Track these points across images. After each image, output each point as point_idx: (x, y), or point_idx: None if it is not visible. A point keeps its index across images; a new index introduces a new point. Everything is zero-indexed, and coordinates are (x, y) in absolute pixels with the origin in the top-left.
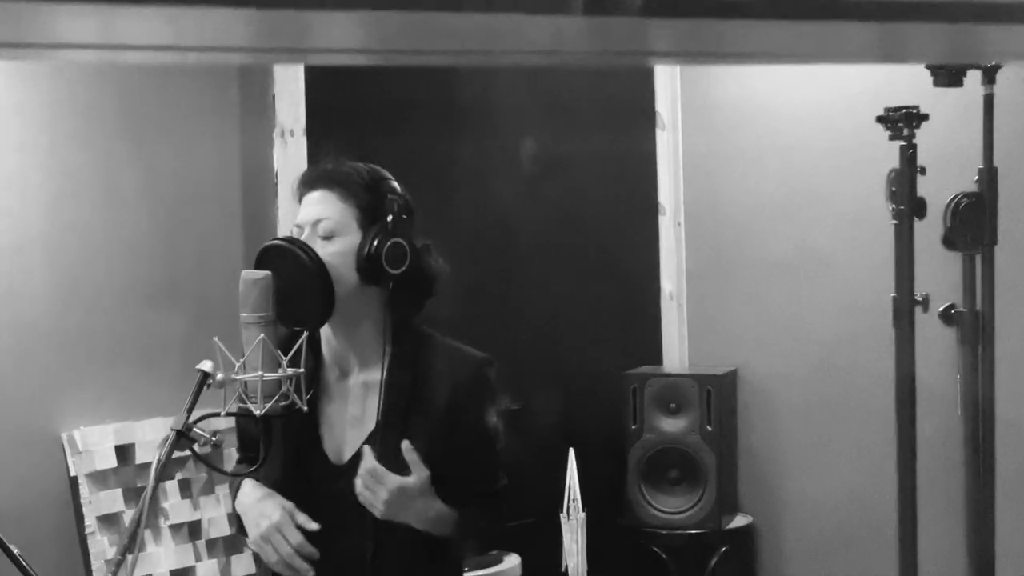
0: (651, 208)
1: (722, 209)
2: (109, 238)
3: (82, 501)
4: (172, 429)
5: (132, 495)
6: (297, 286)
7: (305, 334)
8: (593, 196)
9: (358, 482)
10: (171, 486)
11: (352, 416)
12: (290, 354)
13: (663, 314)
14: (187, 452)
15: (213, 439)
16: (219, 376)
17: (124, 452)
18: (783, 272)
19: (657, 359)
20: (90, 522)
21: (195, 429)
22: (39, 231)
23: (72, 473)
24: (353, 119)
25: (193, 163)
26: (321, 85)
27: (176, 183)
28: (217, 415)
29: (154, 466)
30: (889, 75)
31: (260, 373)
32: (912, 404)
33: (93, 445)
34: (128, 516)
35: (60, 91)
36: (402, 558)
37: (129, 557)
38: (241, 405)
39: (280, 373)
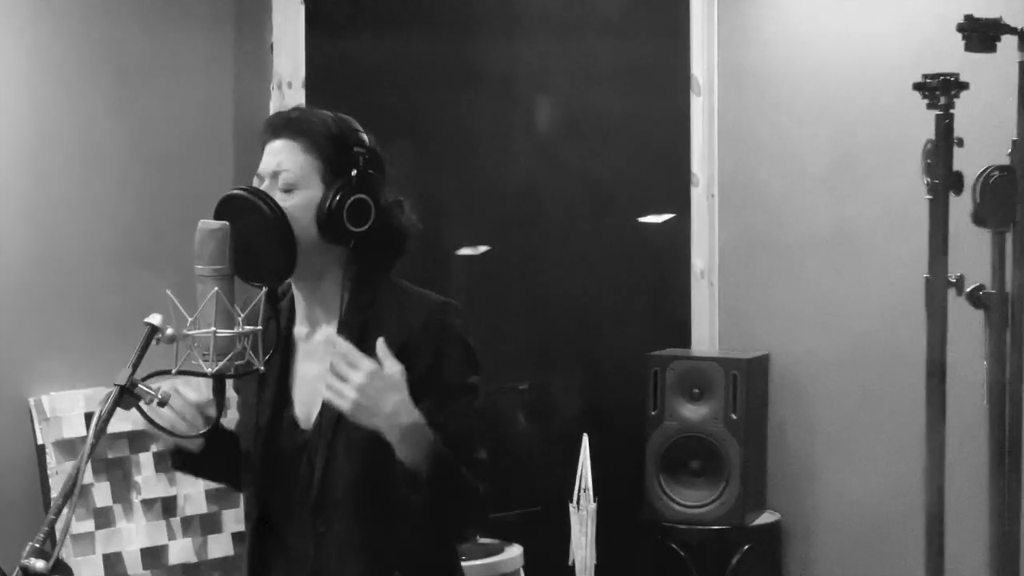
0: (683, 178)
1: (759, 181)
2: (88, 192)
3: (49, 471)
4: (115, 384)
5: (103, 467)
6: (257, 239)
7: (264, 290)
8: (621, 164)
9: (331, 367)
10: (144, 458)
11: (316, 374)
12: (247, 310)
13: (693, 293)
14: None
15: (159, 396)
16: (169, 331)
17: None
18: (822, 249)
19: (685, 341)
20: (57, 493)
21: (140, 386)
22: (12, 183)
23: (39, 441)
24: (357, 72)
25: (182, 115)
26: (323, 34)
27: (163, 136)
28: (167, 373)
29: (94, 423)
30: (934, 40)
31: (213, 329)
32: (942, 394)
33: (62, 412)
34: (98, 490)
35: (39, 33)
36: (355, 530)
37: (63, 515)
38: (193, 363)
39: (236, 330)
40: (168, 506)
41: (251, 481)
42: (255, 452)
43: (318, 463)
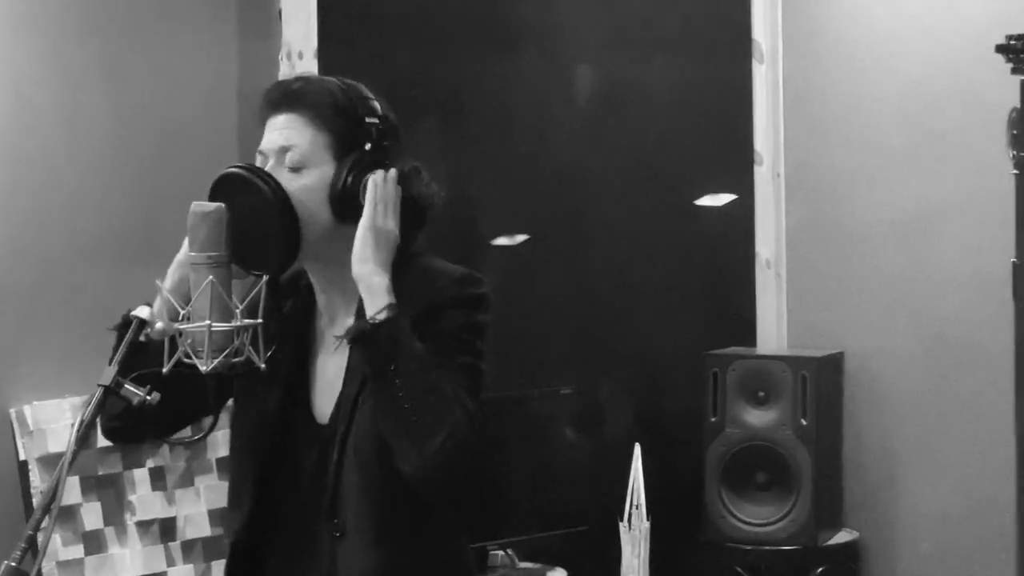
0: (745, 156)
1: (829, 159)
2: (74, 177)
3: (32, 490)
4: (99, 385)
5: (93, 485)
6: (257, 223)
7: (264, 279)
8: (676, 141)
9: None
10: (139, 475)
11: (336, 368)
12: (245, 302)
13: (757, 284)
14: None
15: (148, 398)
16: (159, 325)
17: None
18: (900, 234)
19: (749, 338)
20: (36, 508)
21: (127, 387)
22: None
23: (21, 456)
24: (374, 40)
25: (180, 88)
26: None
27: (160, 113)
28: (157, 372)
29: (75, 428)
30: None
31: (208, 323)
32: None
33: (46, 423)
34: (87, 511)
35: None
36: (368, 541)
37: (42, 531)
38: (186, 360)
39: (233, 324)
40: (167, 528)
41: (250, 478)
42: (261, 448)
43: (332, 458)
